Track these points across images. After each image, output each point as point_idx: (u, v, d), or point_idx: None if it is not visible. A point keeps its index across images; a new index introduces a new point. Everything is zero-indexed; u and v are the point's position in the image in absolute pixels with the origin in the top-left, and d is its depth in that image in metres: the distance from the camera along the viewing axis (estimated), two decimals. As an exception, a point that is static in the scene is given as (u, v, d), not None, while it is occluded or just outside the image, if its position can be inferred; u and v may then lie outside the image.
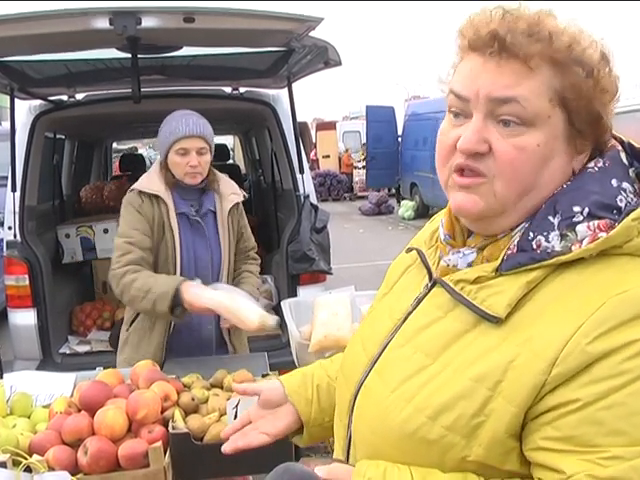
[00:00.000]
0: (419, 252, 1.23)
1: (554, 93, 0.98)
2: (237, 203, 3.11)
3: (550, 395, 0.92)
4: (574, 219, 0.98)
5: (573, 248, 0.97)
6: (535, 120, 0.98)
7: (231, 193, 3.09)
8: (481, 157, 1.01)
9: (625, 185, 1.01)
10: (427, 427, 1.00)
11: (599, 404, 0.88)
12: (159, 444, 1.95)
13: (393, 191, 20.56)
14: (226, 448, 1.40)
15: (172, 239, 2.90)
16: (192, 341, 3.03)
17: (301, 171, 4.58)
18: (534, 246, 1.00)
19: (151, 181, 2.95)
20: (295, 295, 4.29)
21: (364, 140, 21.31)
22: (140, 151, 19.42)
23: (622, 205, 0.99)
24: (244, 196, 3.16)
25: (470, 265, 1.08)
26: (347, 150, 24.49)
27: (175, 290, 2.63)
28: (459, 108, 1.04)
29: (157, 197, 2.89)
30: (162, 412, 2.12)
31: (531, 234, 1.01)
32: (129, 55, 3.53)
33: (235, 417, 2.04)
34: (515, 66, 0.97)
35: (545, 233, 1.00)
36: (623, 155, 1.06)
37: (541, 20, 0.99)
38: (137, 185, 2.95)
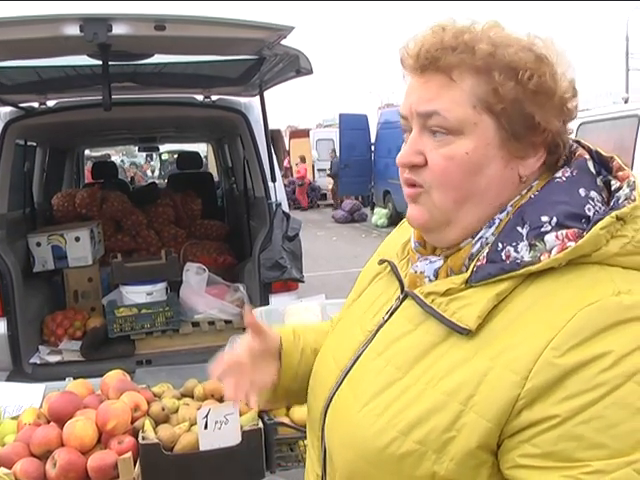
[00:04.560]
0: (390, 264, 1.23)
1: (477, 100, 1.00)
2: None
3: (527, 411, 0.90)
4: (542, 229, 0.98)
5: (542, 258, 0.96)
6: (461, 128, 1.01)
7: None
8: (419, 169, 1.06)
9: (593, 194, 1.01)
10: (399, 442, 0.98)
11: (577, 419, 0.87)
12: (129, 455, 1.93)
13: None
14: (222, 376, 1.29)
15: None
16: None
17: (273, 179, 4.57)
18: (503, 257, 1.00)
19: None
20: (267, 303, 4.27)
21: (337, 147, 21.29)
22: (113, 158, 19.35)
23: (590, 214, 0.98)
24: None
25: (437, 272, 1.09)
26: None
27: None
28: (406, 127, 1.10)
29: None
30: (132, 422, 2.11)
31: (500, 245, 1.01)
32: (100, 62, 3.51)
33: (205, 427, 2.04)
34: (439, 80, 1.02)
35: (514, 244, 1.00)
36: (591, 164, 1.06)
37: (467, 31, 1.02)
38: None
